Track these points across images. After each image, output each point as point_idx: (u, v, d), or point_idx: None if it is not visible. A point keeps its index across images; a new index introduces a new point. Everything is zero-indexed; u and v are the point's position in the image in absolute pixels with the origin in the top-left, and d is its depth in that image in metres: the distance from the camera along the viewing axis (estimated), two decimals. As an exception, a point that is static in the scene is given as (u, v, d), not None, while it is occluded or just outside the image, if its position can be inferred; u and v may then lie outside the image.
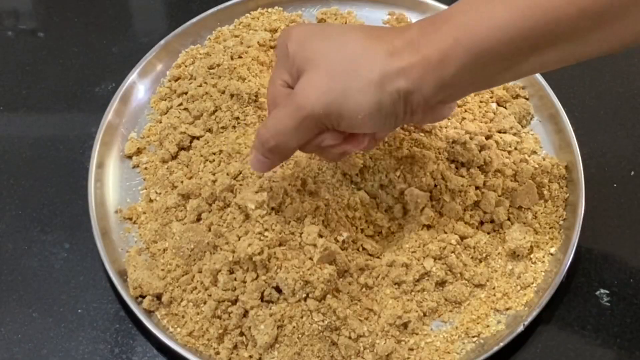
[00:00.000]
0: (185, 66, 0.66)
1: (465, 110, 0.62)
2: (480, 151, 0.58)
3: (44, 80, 0.68)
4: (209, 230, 0.53)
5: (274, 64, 0.63)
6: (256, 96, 0.60)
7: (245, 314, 0.51)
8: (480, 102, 0.63)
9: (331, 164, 0.56)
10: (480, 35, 0.41)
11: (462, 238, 0.55)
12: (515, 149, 0.61)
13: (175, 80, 0.65)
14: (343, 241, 0.53)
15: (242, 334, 0.51)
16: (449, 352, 0.52)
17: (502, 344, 0.51)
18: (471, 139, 0.59)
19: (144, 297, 0.53)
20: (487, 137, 0.60)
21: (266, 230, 0.51)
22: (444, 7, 0.68)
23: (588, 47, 0.42)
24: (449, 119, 0.60)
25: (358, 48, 0.44)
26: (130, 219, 0.58)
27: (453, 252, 0.54)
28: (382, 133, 0.49)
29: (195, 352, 0.51)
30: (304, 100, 0.44)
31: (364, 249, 0.55)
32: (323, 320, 0.50)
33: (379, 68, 0.43)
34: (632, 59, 0.71)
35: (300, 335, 0.50)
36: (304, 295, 0.50)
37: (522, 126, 0.64)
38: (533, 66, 0.43)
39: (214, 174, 0.56)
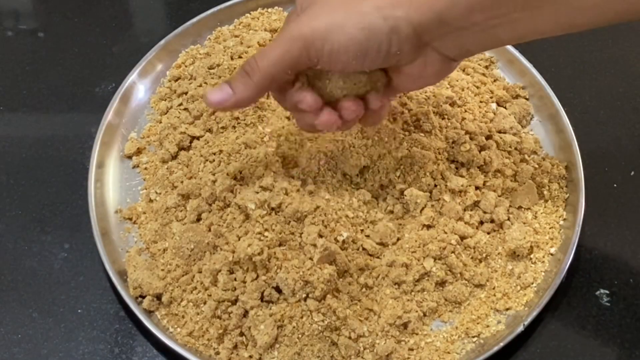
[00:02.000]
0: (185, 66, 0.66)
1: (465, 111, 0.62)
2: (480, 151, 0.59)
3: (44, 80, 0.68)
4: (209, 230, 0.54)
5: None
6: (256, 96, 0.60)
7: (245, 314, 0.51)
8: (480, 102, 0.63)
9: (331, 165, 0.56)
10: None
11: (462, 238, 0.55)
12: (515, 149, 0.61)
13: (175, 80, 0.65)
14: (343, 241, 0.53)
15: (242, 334, 0.51)
16: (449, 352, 0.52)
17: (502, 344, 0.51)
18: (471, 139, 0.59)
19: (144, 297, 0.53)
20: (487, 137, 0.60)
21: (266, 230, 0.51)
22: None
23: (585, 12, 0.42)
24: (449, 118, 0.60)
25: None
26: (130, 219, 0.58)
27: (453, 252, 0.54)
28: (354, 108, 0.48)
29: (195, 352, 0.51)
30: (294, 25, 0.45)
31: (364, 249, 0.55)
32: (323, 321, 0.50)
33: (372, 3, 0.44)
34: (632, 59, 0.71)
35: (300, 335, 0.50)
36: (304, 295, 0.50)
37: (522, 126, 0.64)
38: (528, 27, 0.43)
39: (214, 174, 0.56)
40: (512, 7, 0.42)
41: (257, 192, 0.52)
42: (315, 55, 0.45)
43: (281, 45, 0.45)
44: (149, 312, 0.53)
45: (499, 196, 0.58)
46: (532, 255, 0.56)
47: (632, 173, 0.62)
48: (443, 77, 0.50)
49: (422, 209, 0.56)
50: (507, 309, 0.54)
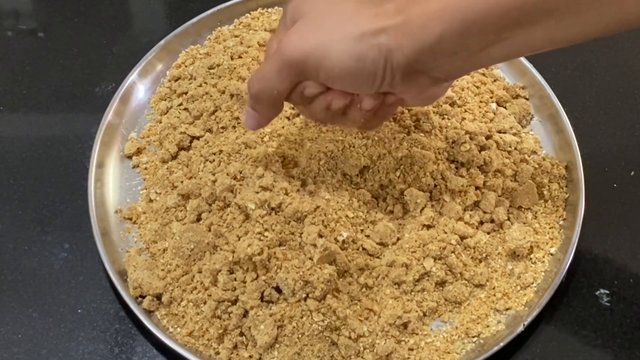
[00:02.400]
0: (185, 66, 0.66)
1: (465, 110, 0.62)
2: (480, 151, 0.59)
3: (44, 80, 0.68)
4: (209, 230, 0.53)
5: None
6: (256, 96, 0.60)
7: (245, 314, 0.51)
8: (480, 102, 0.63)
9: (331, 165, 0.56)
10: (466, 2, 0.41)
11: (462, 238, 0.55)
12: (515, 149, 0.61)
13: (175, 80, 0.65)
14: (343, 241, 0.53)
15: (242, 334, 0.51)
16: (449, 352, 0.52)
17: (502, 344, 0.51)
18: (471, 139, 0.59)
19: (144, 297, 0.53)
20: (487, 137, 0.60)
21: (266, 230, 0.51)
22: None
23: (573, 27, 0.42)
24: (449, 118, 0.60)
25: (349, 7, 0.45)
26: (130, 219, 0.58)
27: (453, 252, 0.54)
28: (367, 102, 0.48)
29: (195, 352, 0.51)
30: (286, 45, 0.45)
31: (364, 249, 0.55)
32: (323, 320, 0.50)
33: (363, 24, 0.43)
34: (632, 59, 0.71)
35: (300, 335, 0.50)
36: (304, 295, 0.50)
37: (522, 126, 0.64)
38: (519, 44, 0.43)
39: (214, 174, 0.56)
40: (505, 29, 0.42)
41: (257, 192, 0.52)
42: (310, 77, 0.46)
43: (276, 69, 0.46)
44: (149, 312, 0.53)
45: (499, 196, 0.58)
46: (532, 255, 0.56)
47: (632, 173, 0.62)
48: (436, 99, 0.50)
49: (422, 209, 0.56)
50: (507, 309, 0.54)
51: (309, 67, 0.45)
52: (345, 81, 0.45)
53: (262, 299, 0.51)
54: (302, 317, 0.50)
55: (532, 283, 0.55)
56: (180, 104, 0.63)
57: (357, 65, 0.44)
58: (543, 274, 0.55)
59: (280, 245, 0.52)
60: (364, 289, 0.53)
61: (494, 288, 0.55)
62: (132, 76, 0.65)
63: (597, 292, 0.56)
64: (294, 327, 0.50)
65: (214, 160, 0.58)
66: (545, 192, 0.59)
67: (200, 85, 0.63)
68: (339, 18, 0.44)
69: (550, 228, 0.58)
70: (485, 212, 0.57)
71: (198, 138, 0.60)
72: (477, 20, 0.41)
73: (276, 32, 0.50)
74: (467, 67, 0.47)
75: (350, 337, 0.50)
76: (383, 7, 0.44)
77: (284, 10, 0.49)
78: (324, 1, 0.46)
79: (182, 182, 0.57)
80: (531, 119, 0.65)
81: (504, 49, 0.43)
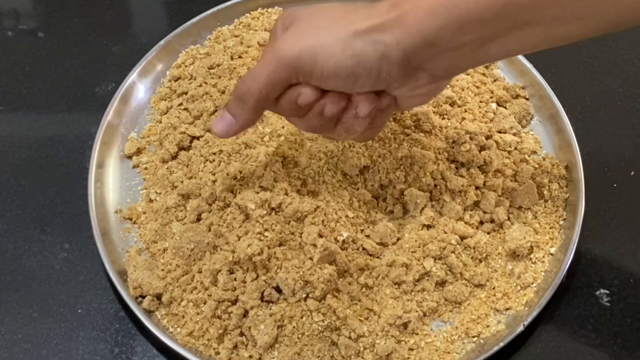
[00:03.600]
0: (185, 66, 0.66)
1: (465, 110, 0.62)
2: (480, 151, 0.59)
3: (44, 80, 0.68)
4: (209, 230, 0.53)
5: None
6: (256, 96, 0.60)
7: (245, 314, 0.51)
8: (480, 102, 0.63)
9: (331, 165, 0.56)
10: None
11: (462, 238, 0.55)
12: (515, 149, 0.61)
13: (175, 80, 0.65)
14: (343, 241, 0.53)
15: (242, 334, 0.51)
16: (449, 352, 0.52)
17: (502, 344, 0.51)
18: (471, 139, 0.59)
19: (144, 297, 0.53)
20: (487, 137, 0.60)
21: (266, 230, 0.51)
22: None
23: (575, 23, 0.42)
24: (449, 118, 0.60)
25: (341, 12, 0.45)
26: (130, 219, 0.58)
27: (453, 252, 0.54)
28: (363, 107, 0.47)
29: (195, 352, 0.51)
30: (280, 45, 0.45)
31: (364, 249, 0.55)
32: (323, 320, 0.50)
33: (357, 23, 0.43)
34: (632, 59, 0.71)
35: (300, 335, 0.50)
36: (304, 295, 0.50)
37: (522, 126, 0.64)
38: (517, 42, 0.43)
39: (214, 174, 0.56)
40: (501, 27, 0.42)
41: (257, 192, 0.52)
42: (304, 77, 0.45)
43: (269, 67, 0.45)
44: (149, 312, 0.53)
45: (499, 196, 0.58)
46: (532, 255, 0.56)
47: (632, 173, 0.62)
48: (434, 96, 0.50)
49: (422, 209, 0.56)
50: (507, 309, 0.54)
51: (303, 65, 0.44)
52: (340, 79, 0.45)
53: (262, 299, 0.51)
54: (302, 317, 0.50)
55: (532, 283, 0.55)
56: (180, 104, 0.63)
57: (352, 62, 0.43)
58: (543, 274, 0.55)
59: (280, 245, 0.52)
60: (364, 289, 0.53)
61: (494, 288, 0.55)
62: (132, 76, 0.65)
63: (597, 292, 0.56)
64: (294, 327, 0.50)
65: (214, 160, 0.58)
66: (545, 192, 0.59)
67: (200, 85, 0.63)
68: (332, 19, 0.44)
69: (550, 228, 0.58)
70: (485, 212, 0.57)
71: (198, 138, 0.60)
72: (473, 16, 0.41)
73: (267, 43, 0.49)
74: (465, 64, 0.47)
75: (350, 337, 0.50)
76: (375, 8, 0.44)
77: (274, 24, 0.48)
78: (315, 9, 0.46)
79: (182, 182, 0.57)
80: (531, 119, 0.65)
81: (502, 46, 0.43)
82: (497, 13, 0.41)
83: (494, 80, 0.66)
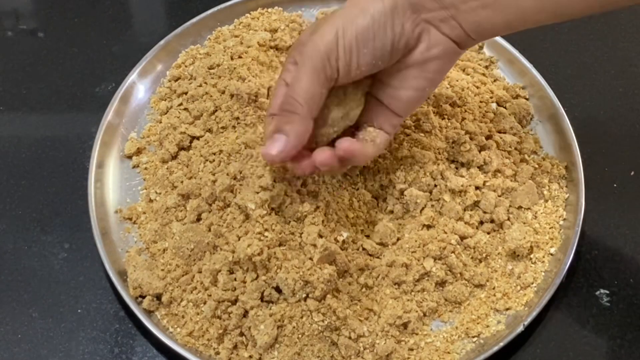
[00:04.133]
0: (185, 66, 0.66)
1: (465, 111, 0.62)
2: (480, 151, 0.59)
3: (44, 80, 0.68)
4: (209, 230, 0.53)
5: (275, 64, 0.64)
6: (256, 96, 0.60)
7: (245, 314, 0.51)
8: (480, 102, 0.63)
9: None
10: None
11: (462, 238, 0.55)
12: (515, 149, 0.61)
13: (175, 80, 0.65)
14: (343, 241, 0.53)
15: (242, 334, 0.51)
16: (449, 352, 0.52)
17: (502, 344, 0.51)
18: (471, 139, 0.59)
19: (144, 297, 0.53)
20: (487, 137, 0.60)
21: (266, 230, 0.51)
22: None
23: None
24: (449, 118, 0.60)
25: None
26: (130, 219, 0.58)
27: (453, 252, 0.54)
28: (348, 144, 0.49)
29: (195, 352, 0.51)
30: (310, 46, 0.46)
31: (364, 249, 0.55)
32: (323, 320, 0.50)
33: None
34: (632, 59, 0.71)
35: (300, 336, 0.50)
36: (304, 295, 0.50)
37: (522, 126, 0.64)
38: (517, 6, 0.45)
39: (214, 174, 0.56)
40: None
41: (257, 192, 0.52)
42: (335, 59, 0.46)
43: (305, 68, 0.46)
44: (149, 312, 0.53)
45: (499, 196, 0.58)
46: (532, 255, 0.56)
47: (632, 173, 0.62)
48: (444, 73, 0.51)
49: (422, 209, 0.56)
50: (507, 309, 0.54)
51: (331, 47, 0.46)
52: (361, 43, 0.46)
53: (262, 299, 0.51)
54: (302, 317, 0.50)
55: (532, 283, 0.55)
56: (180, 104, 0.63)
57: (368, 21, 0.46)
58: (543, 274, 0.55)
59: (280, 245, 0.52)
60: (364, 289, 0.53)
61: (494, 288, 0.55)
62: (132, 76, 0.65)
63: (597, 292, 0.56)
64: (294, 327, 0.50)
65: (214, 160, 0.58)
66: (545, 192, 0.59)
67: (200, 85, 0.63)
68: (344, 11, 0.46)
69: (550, 228, 0.58)
70: (485, 212, 0.57)
71: (198, 138, 0.60)
72: None
73: (281, 74, 0.50)
74: (472, 29, 0.48)
75: (350, 337, 0.50)
76: None
77: (287, 58, 0.50)
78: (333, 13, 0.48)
79: (182, 182, 0.57)
80: (531, 119, 0.65)
81: (500, 14, 0.45)
82: None
83: (494, 80, 0.66)
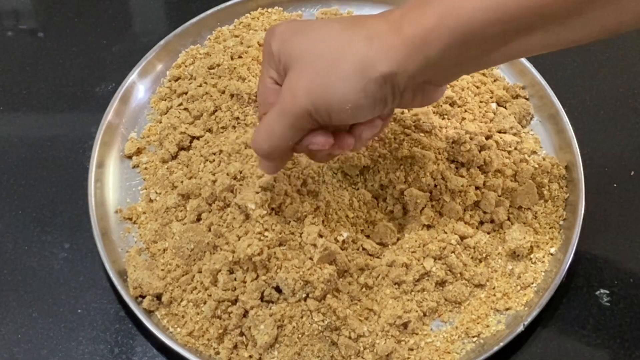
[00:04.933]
0: (185, 66, 0.66)
1: (465, 111, 0.62)
2: (480, 151, 0.58)
3: (44, 80, 0.68)
4: (209, 230, 0.53)
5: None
6: (256, 96, 0.60)
7: (245, 314, 0.51)
8: (480, 102, 0.63)
9: (332, 164, 0.56)
10: (465, 15, 0.40)
11: (462, 238, 0.55)
12: (515, 149, 0.61)
13: (175, 80, 0.65)
14: (343, 241, 0.53)
15: (242, 334, 0.51)
16: (449, 352, 0.52)
17: (502, 344, 0.51)
18: (471, 139, 0.59)
19: (144, 297, 0.53)
20: (487, 137, 0.60)
21: (266, 230, 0.51)
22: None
23: (573, 31, 0.41)
24: (449, 118, 0.60)
25: (338, 40, 0.44)
26: (130, 219, 0.58)
27: (453, 252, 0.54)
28: (368, 131, 0.48)
29: (195, 352, 0.51)
30: (291, 100, 0.44)
31: (364, 249, 0.55)
32: (323, 320, 0.50)
33: (360, 55, 0.43)
34: (632, 58, 0.71)
35: (300, 335, 0.50)
36: (304, 295, 0.50)
37: (522, 126, 0.64)
38: (519, 49, 0.42)
39: (214, 174, 0.56)
40: (505, 38, 0.42)
41: (257, 192, 0.52)
42: (321, 121, 0.45)
43: (284, 123, 0.45)
44: (149, 312, 0.53)
45: (499, 196, 0.58)
46: (532, 255, 0.56)
47: (632, 173, 0.62)
48: (433, 102, 0.49)
49: (422, 209, 0.56)
50: (507, 309, 0.54)
51: (320, 114, 0.44)
52: (359, 116, 0.45)
53: (262, 299, 0.51)
54: (302, 317, 0.50)
55: (532, 283, 0.55)
56: (180, 104, 0.63)
57: (366, 99, 0.43)
58: (543, 274, 0.55)
59: (280, 245, 0.52)
60: (364, 289, 0.53)
61: (494, 288, 0.55)
62: (132, 76, 0.65)
63: (597, 292, 0.56)
64: (294, 327, 0.50)
65: (214, 160, 0.58)
66: (545, 192, 0.59)
67: (200, 85, 0.63)
68: (333, 56, 0.43)
69: (550, 228, 0.58)
70: (485, 212, 0.57)
71: (198, 138, 0.60)
72: (477, 32, 0.41)
73: (262, 69, 0.48)
74: (468, 71, 0.47)
75: (350, 337, 0.50)
76: (374, 27, 0.43)
77: (264, 45, 0.47)
78: (309, 42, 0.45)
79: (182, 182, 0.57)
80: (531, 119, 0.65)
81: (504, 53, 0.43)
82: (501, 28, 0.41)
83: (494, 80, 0.66)
